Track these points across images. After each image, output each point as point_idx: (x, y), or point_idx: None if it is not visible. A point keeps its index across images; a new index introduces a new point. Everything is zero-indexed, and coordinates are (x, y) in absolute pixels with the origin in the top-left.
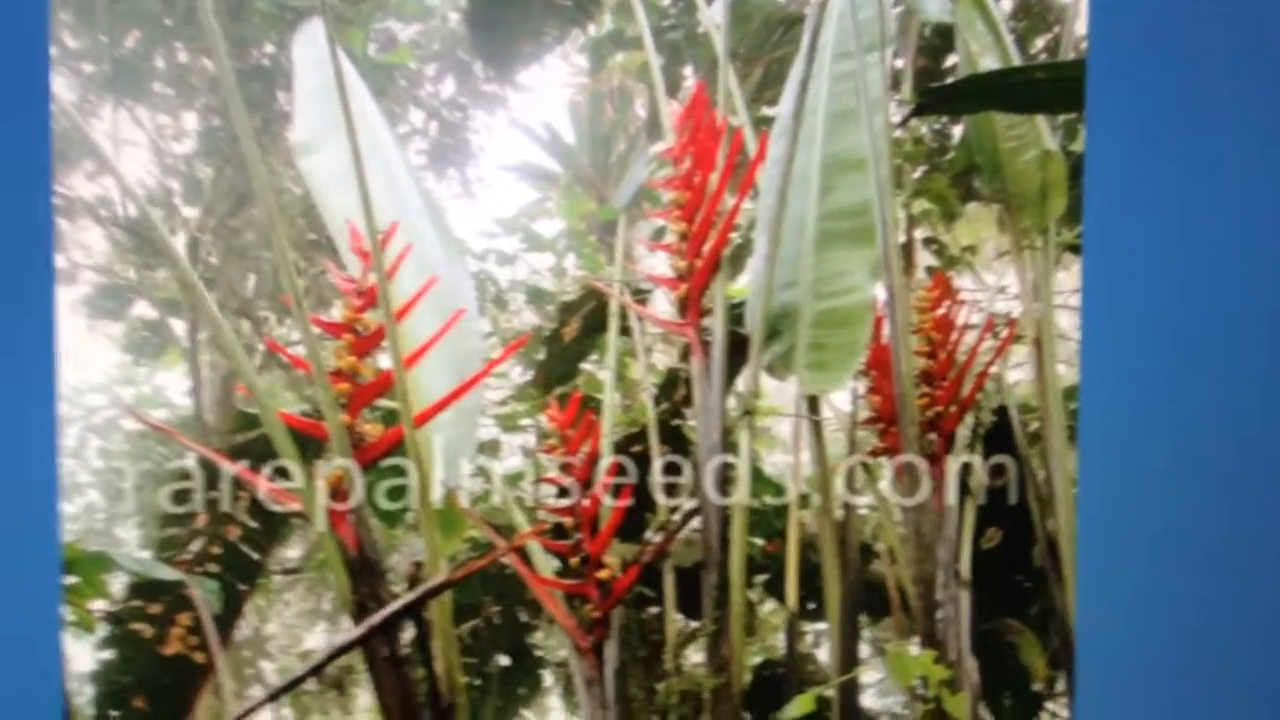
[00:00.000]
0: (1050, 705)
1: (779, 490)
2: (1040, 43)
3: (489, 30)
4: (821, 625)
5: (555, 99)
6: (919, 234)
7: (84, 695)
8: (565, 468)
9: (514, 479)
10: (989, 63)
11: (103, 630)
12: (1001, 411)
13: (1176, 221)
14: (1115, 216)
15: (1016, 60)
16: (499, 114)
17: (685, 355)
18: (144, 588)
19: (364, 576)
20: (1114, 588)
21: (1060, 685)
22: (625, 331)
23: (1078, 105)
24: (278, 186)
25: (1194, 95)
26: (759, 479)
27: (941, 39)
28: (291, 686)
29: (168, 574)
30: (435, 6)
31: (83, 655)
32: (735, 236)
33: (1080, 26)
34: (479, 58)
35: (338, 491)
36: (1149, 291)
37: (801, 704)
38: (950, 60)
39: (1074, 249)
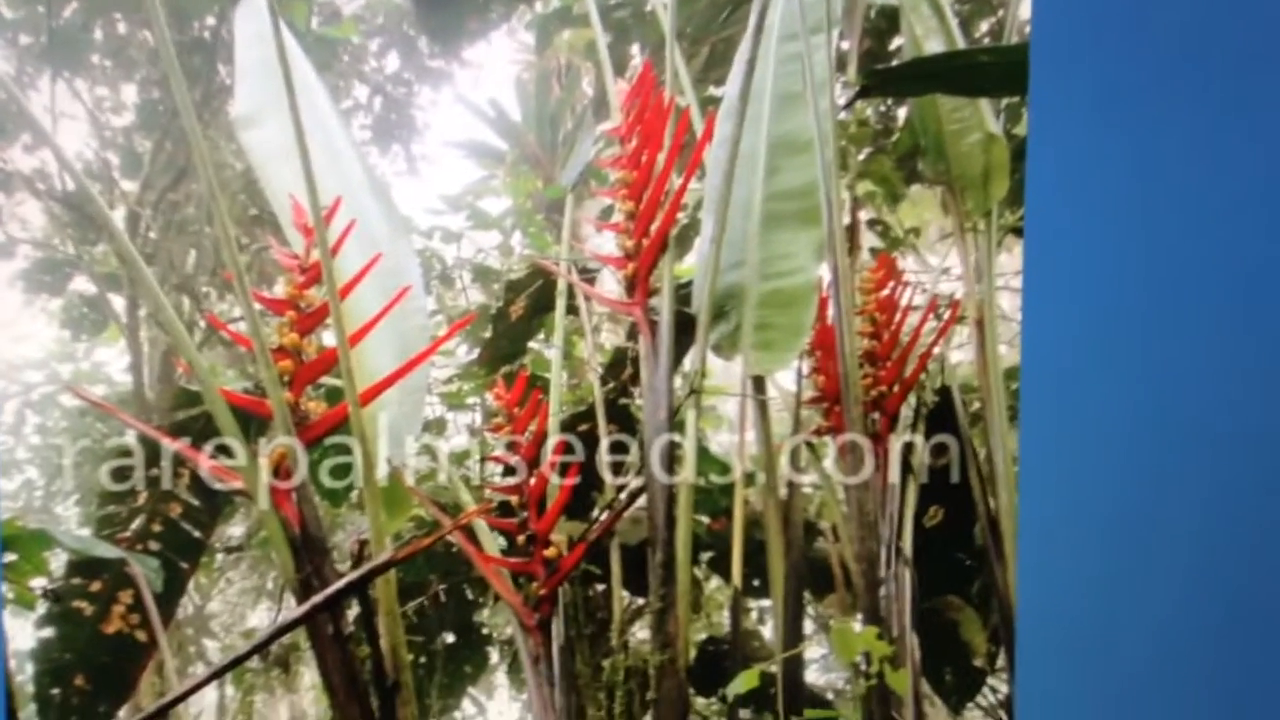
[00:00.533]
0: (991, 681)
1: (724, 469)
2: (985, 26)
3: (434, 5)
4: (766, 602)
5: (501, 76)
6: (864, 216)
7: (24, 673)
8: (512, 446)
9: (460, 457)
10: (934, 45)
11: (42, 608)
12: (944, 391)
13: (1118, 204)
14: (1057, 199)
15: (961, 43)
16: (444, 90)
17: (632, 334)
18: (84, 565)
19: (308, 554)
20: (1054, 565)
21: (1001, 661)
22: (572, 310)
23: (1021, 89)
24: (219, 161)
25: (1137, 79)
26: (705, 458)
27: (887, 21)
28: (235, 664)
29: (108, 551)
30: None
31: (22, 633)
32: (682, 216)
33: (1024, 10)
34: (424, 33)
35: (281, 469)
36: (1090, 273)
37: (746, 680)
38: (896, 43)
39: (1016, 231)
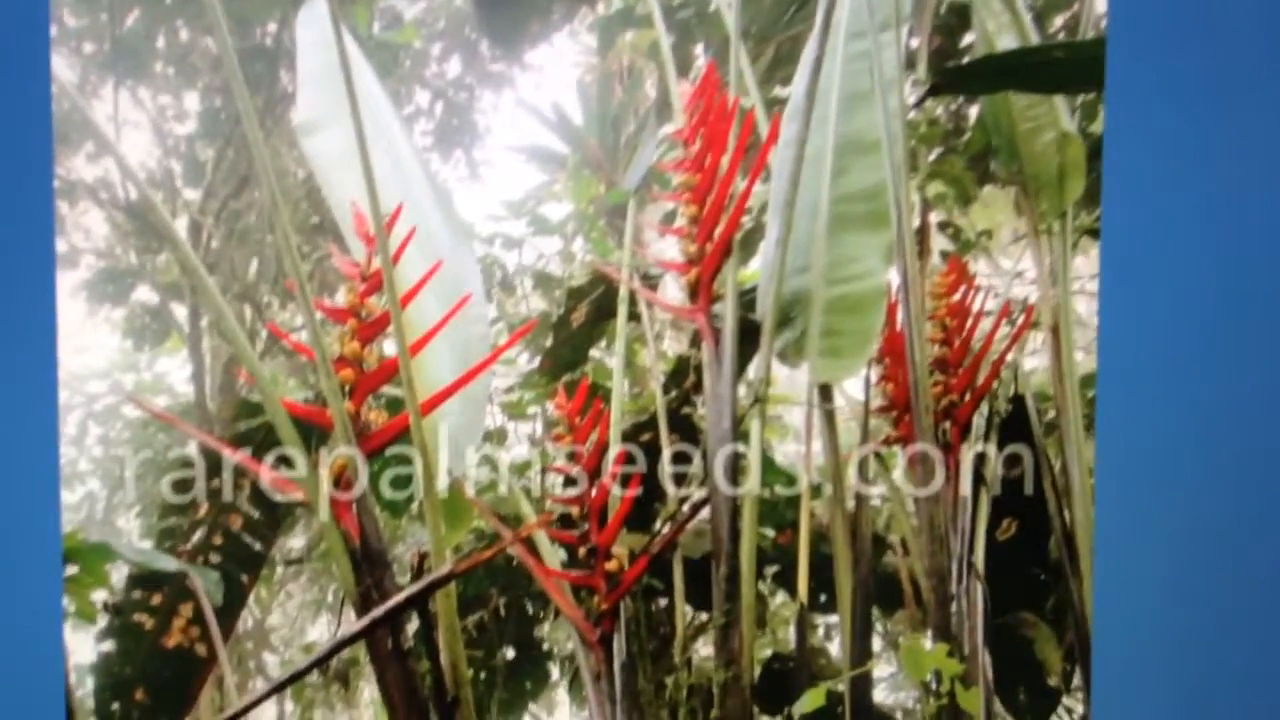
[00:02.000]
0: (1066, 700)
1: (790, 480)
2: (1059, 21)
3: (496, 8)
4: (833, 618)
5: (563, 79)
6: (934, 218)
7: (85, 687)
8: (573, 456)
9: (521, 468)
10: (1006, 41)
11: (103, 621)
12: (1017, 400)
13: (1197, 205)
14: (1134, 200)
15: (1034, 39)
16: (506, 94)
17: (695, 342)
18: (145, 578)
19: (368, 567)
20: (1131, 580)
21: (1076, 680)
22: (634, 317)
23: (1097, 85)
24: (281, 168)
25: (1215, 74)
26: (770, 468)
27: (958, 18)
28: (294, 679)
29: (169, 564)
30: None
31: (83, 647)
32: (747, 220)
33: (1100, 4)
34: (485, 36)
35: (341, 480)
36: (1168, 277)
37: (812, 699)
38: (967, 39)
39: (1092, 233)
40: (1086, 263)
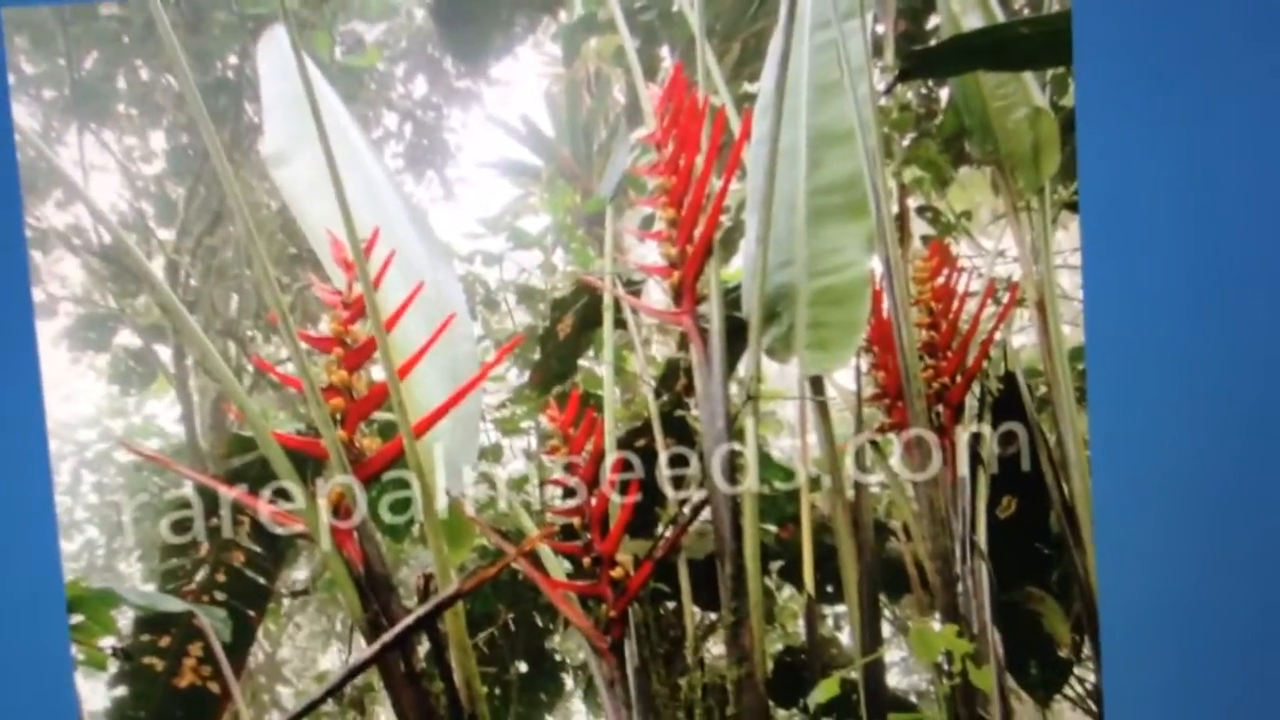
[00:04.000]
0: (1077, 670)
1: (788, 475)
2: None
3: (457, 24)
4: (841, 608)
5: (531, 91)
6: (912, 202)
7: None
8: (570, 468)
9: (518, 483)
10: (972, 21)
11: (113, 667)
12: (1008, 378)
13: (1173, 172)
14: (1110, 171)
15: (1000, 17)
16: (474, 110)
17: (683, 344)
18: (152, 621)
19: (374, 593)
20: (1131, 548)
21: (1086, 650)
22: (620, 324)
23: (1065, 59)
24: (253, 201)
25: (1183, 40)
26: (767, 464)
27: (922, 1)
28: (309, 710)
29: (175, 605)
30: (400, 3)
31: (96, 694)
32: (725, 219)
33: None
34: (449, 54)
35: (340, 509)
36: (1148, 246)
37: (826, 688)
38: (933, 22)
39: (1071, 207)
40: (1067, 236)
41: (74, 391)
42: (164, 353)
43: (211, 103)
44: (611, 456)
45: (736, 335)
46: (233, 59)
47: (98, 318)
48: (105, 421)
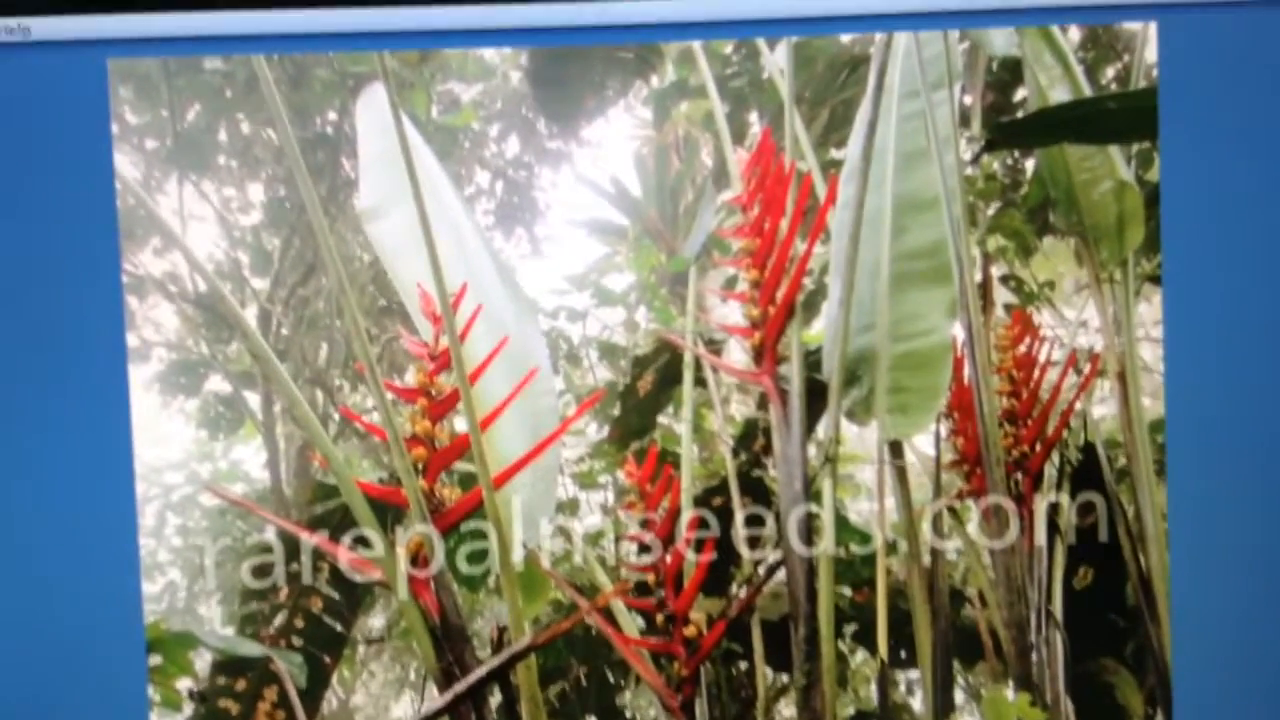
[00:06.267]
0: None
1: (865, 538)
2: (1110, 72)
3: (552, 87)
4: (914, 673)
5: (620, 152)
6: (996, 271)
7: None
8: (645, 524)
9: (594, 537)
10: (1059, 94)
11: (188, 709)
12: (1088, 448)
13: (1255, 248)
14: (1194, 244)
15: (1087, 91)
16: (564, 170)
17: (763, 404)
18: (229, 664)
19: (448, 643)
20: (1208, 622)
21: None
22: (700, 383)
23: (1151, 133)
24: (346, 254)
25: (1267, 118)
26: (844, 527)
27: (1010, 73)
28: None
29: (252, 649)
30: (496, 65)
31: None
32: (808, 282)
33: (1150, 54)
34: (542, 115)
35: (418, 558)
36: (1230, 320)
37: None
38: (1020, 94)
39: (1154, 279)
40: (1149, 309)
41: (163, 435)
42: (253, 399)
43: (310, 157)
44: (688, 514)
45: (816, 397)
46: (332, 115)
47: (190, 364)
48: (192, 465)
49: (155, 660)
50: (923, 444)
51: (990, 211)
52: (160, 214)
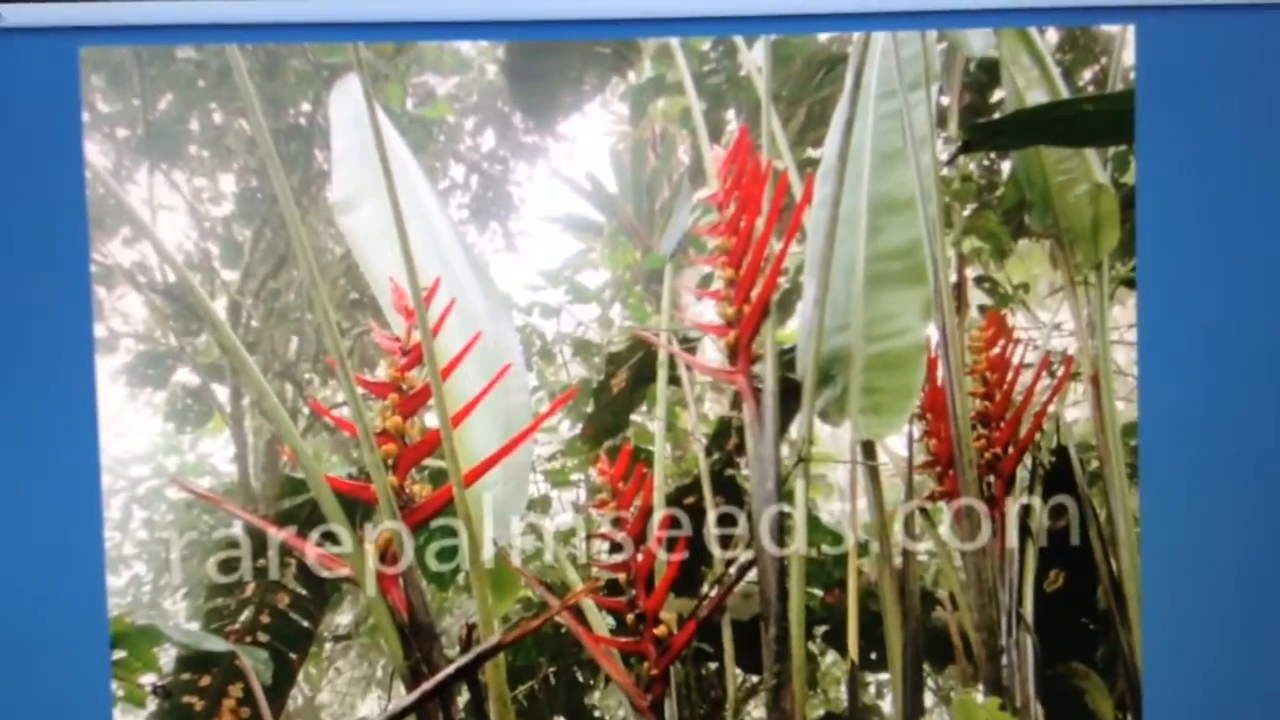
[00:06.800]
0: None
1: (836, 539)
2: (1087, 74)
3: (528, 81)
4: (884, 675)
5: (597, 148)
6: (970, 272)
7: None
8: (617, 522)
9: (565, 535)
10: (1036, 96)
11: (152, 705)
12: (1060, 451)
13: (1230, 251)
14: (1168, 248)
15: (1064, 93)
16: (540, 165)
17: (736, 403)
18: (194, 660)
19: (416, 641)
20: (1179, 627)
21: None
22: (674, 381)
23: (1127, 137)
24: (318, 246)
25: (1243, 121)
26: (816, 528)
27: (987, 74)
28: None
29: (217, 645)
30: (473, 58)
31: None
32: (783, 281)
33: (1128, 57)
34: (518, 109)
35: (387, 555)
36: (1205, 323)
37: None
38: (997, 95)
39: (1128, 283)
40: (1124, 312)
41: (129, 428)
42: (221, 392)
43: (282, 148)
44: (659, 513)
45: (790, 396)
46: (305, 106)
47: (158, 355)
48: (159, 458)
49: (119, 655)
50: (895, 445)
51: (966, 213)
52: (130, 203)
